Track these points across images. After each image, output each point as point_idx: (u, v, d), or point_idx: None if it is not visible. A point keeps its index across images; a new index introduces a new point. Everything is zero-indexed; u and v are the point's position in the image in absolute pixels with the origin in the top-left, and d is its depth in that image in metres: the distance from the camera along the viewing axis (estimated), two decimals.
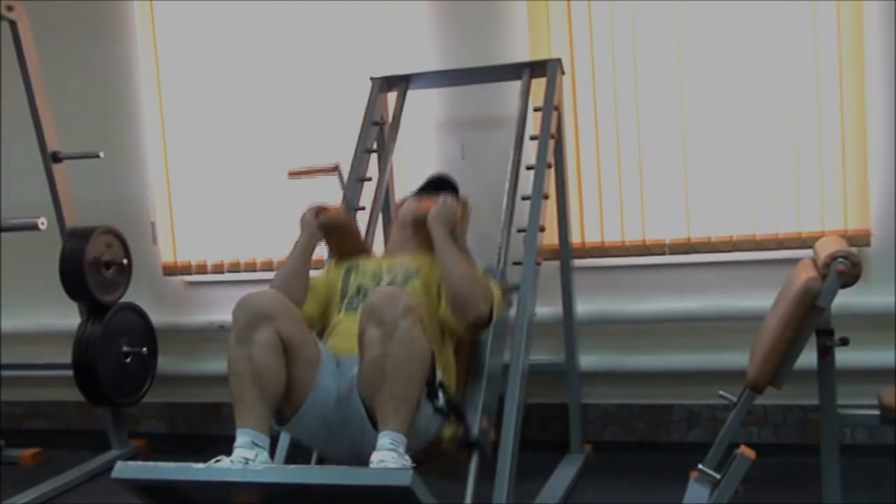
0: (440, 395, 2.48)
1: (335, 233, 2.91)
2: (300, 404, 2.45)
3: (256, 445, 2.29)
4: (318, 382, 2.46)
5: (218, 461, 2.24)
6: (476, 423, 2.63)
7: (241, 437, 2.30)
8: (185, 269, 4.18)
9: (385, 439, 2.24)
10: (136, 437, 4.12)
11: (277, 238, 3.99)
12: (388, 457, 2.20)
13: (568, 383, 3.59)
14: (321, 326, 2.79)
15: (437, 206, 2.80)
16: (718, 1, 3.47)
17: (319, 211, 2.89)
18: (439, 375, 2.50)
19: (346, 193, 3.21)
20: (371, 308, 2.34)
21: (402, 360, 2.28)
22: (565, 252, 3.55)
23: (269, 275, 3.98)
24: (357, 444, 2.42)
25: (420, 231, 2.83)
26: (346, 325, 2.67)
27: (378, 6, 3.85)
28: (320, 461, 2.80)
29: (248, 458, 2.26)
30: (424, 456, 2.48)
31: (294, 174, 3.17)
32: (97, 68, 4.24)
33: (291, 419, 2.47)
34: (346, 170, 3.34)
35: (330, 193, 3.30)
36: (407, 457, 2.24)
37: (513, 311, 2.86)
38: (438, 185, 3.08)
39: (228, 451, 2.28)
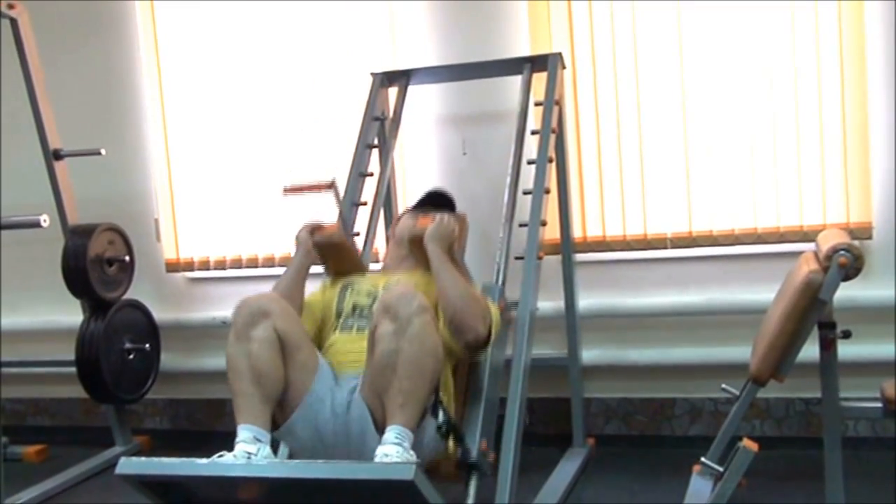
0: (440, 412, 2.45)
1: (331, 251, 2.85)
2: (292, 410, 2.45)
3: (258, 441, 2.30)
4: (312, 389, 2.45)
5: (221, 456, 2.24)
6: (475, 444, 2.58)
7: (243, 433, 2.31)
8: (188, 266, 4.19)
9: (390, 433, 2.25)
10: (140, 434, 4.12)
11: (279, 234, 4.00)
12: (393, 451, 2.21)
13: (570, 377, 3.59)
14: (317, 345, 2.70)
15: (433, 224, 2.74)
16: None
17: (315, 229, 2.84)
18: (440, 394, 2.48)
19: (342, 211, 3.16)
20: (386, 304, 2.34)
21: (414, 356, 2.28)
22: (567, 246, 3.54)
23: (272, 270, 4.02)
24: (354, 458, 2.39)
25: (416, 249, 2.77)
26: (341, 345, 2.65)
27: (378, 2, 3.85)
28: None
29: (250, 452, 2.27)
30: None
31: (290, 190, 3.08)
32: (99, 65, 4.24)
33: (282, 426, 2.47)
34: (342, 187, 3.23)
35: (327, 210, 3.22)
36: (412, 451, 2.25)
37: (513, 326, 2.83)
38: (436, 202, 3.06)
39: (231, 447, 2.30)
